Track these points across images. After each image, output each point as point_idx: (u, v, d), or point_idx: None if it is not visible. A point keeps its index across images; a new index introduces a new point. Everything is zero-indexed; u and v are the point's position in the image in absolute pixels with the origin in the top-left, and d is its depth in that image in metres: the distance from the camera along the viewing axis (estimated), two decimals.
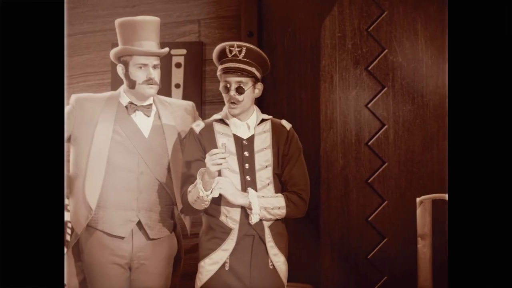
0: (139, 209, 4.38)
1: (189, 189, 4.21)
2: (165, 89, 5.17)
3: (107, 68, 5.58)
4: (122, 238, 4.37)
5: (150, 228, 4.39)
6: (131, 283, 4.40)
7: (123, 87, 4.48)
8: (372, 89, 5.43)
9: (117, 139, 4.39)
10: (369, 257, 5.40)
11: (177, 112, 4.54)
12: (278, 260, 4.28)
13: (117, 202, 4.37)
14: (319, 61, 5.47)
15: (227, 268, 4.24)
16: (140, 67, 4.38)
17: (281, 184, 4.33)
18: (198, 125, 4.35)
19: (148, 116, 4.46)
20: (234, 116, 4.30)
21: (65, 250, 4.37)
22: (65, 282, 4.24)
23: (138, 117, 4.45)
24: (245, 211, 4.22)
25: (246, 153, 4.29)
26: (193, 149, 4.27)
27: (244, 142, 4.31)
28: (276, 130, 4.36)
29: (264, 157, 4.29)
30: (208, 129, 4.33)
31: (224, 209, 4.25)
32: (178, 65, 5.53)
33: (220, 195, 4.19)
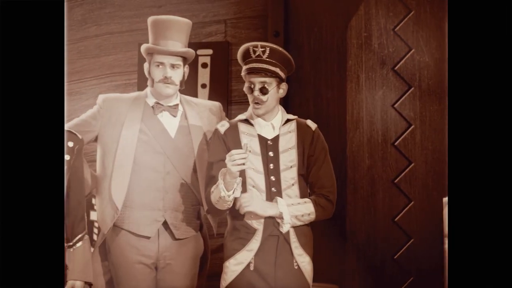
0: (165, 209, 4.39)
1: (212, 189, 4.22)
2: (191, 89, 5.18)
3: (134, 68, 5.61)
4: (148, 238, 4.38)
5: (176, 228, 4.40)
6: (157, 283, 4.41)
7: (149, 87, 4.50)
8: (399, 89, 5.40)
9: (143, 139, 4.41)
10: (395, 257, 5.38)
11: (203, 112, 4.55)
12: (303, 260, 4.27)
13: (143, 202, 4.38)
14: (345, 61, 5.45)
15: (251, 269, 4.24)
16: (158, 66, 4.40)
17: (307, 185, 4.33)
18: (223, 126, 4.36)
19: (175, 116, 4.48)
20: (258, 116, 4.30)
21: (92, 249, 4.39)
22: (91, 281, 4.27)
23: (165, 117, 4.47)
24: None
25: (270, 153, 4.29)
26: (218, 150, 4.28)
27: (268, 142, 4.31)
28: (301, 130, 4.35)
29: (289, 157, 4.29)
30: (233, 129, 4.34)
31: None
32: (204, 65, 5.53)
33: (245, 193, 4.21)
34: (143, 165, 4.39)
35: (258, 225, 4.24)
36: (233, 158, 4.06)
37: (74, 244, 4.19)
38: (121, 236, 4.39)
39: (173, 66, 4.39)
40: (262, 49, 4.25)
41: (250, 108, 4.32)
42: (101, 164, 4.46)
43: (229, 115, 5.16)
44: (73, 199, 4.21)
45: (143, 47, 4.45)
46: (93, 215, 5.03)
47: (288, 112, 4.44)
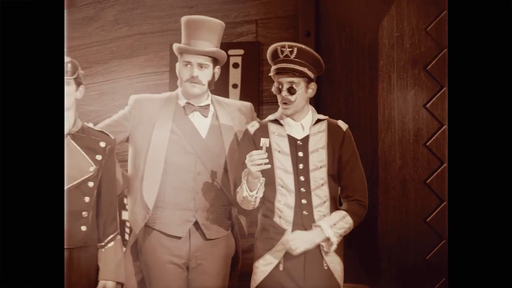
0: (196, 209, 4.40)
1: (238, 189, 4.24)
2: (222, 90, 5.19)
3: (165, 69, 5.62)
4: (180, 238, 4.39)
5: (207, 228, 4.41)
6: (189, 283, 4.42)
7: (180, 88, 4.51)
8: (431, 89, 5.36)
9: (174, 140, 4.42)
10: (427, 258, 5.35)
11: (234, 112, 4.55)
12: (333, 261, 4.27)
13: (174, 202, 4.40)
14: (377, 61, 5.43)
15: (281, 269, 4.24)
16: (186, 65, 4.41)
17: (339, 187, 4.32)
18: (253, 126, 4.36)
19: (206, 117, 4.48)
20: (287, 116, 4.30)
21: (123, 249, 4.41)
22: (123, 281, 4.28)
23: (196, 118, 4.47)
24: (299, 211, 4.23)
25: (300, 154, 4.28)
26: (247, 150, 4.28)
27: (298, 142, 4.30)
28: (332, 131, 4.34)
29: (318, 158, 4.28)
30: (263, 129, 4.34)
31: (278, 210, 4.26)
32: (235, 66, 5.54)
33: (269, 193, 4.23)
34: (174, 165, 4.40)
35: (287, 225, 4.24)
36: (253, 159, 4.07)
37: (106, 244, 4.22)
38: (153, 236, 4.41)
39: (200, 65, 4.40)
40: (290, 49, 4.25)
41: (280, 109, 4.32)
42: (132, 164, 4.48)
43: (260, 115, 5.16)
44: (105, 199, 4.23)
45: (174, 47, 4.46)
46: (125, 215, 5.05)
47: (319, 112, 4.43)
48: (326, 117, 4.40)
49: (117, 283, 4.23)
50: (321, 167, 4.28)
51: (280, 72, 4.25)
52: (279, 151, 4.29)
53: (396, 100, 5.41)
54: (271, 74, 4.29)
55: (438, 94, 5.35)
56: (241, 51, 5.54)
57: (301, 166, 4.27)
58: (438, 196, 5.34)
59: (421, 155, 5.38)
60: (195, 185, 4.40)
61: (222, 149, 4.45)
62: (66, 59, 4.15)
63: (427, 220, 5.36)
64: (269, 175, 4.27)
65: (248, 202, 4.20)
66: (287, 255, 4.23)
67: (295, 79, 4.23)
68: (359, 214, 4.28)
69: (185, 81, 4.41)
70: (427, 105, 5.37)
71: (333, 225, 4.21)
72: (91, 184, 4.16)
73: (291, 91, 4.24)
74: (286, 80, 4.24)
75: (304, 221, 4.25)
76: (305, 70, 4.24)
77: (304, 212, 4.26)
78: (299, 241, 4.18)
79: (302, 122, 4.33)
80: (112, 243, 4.23)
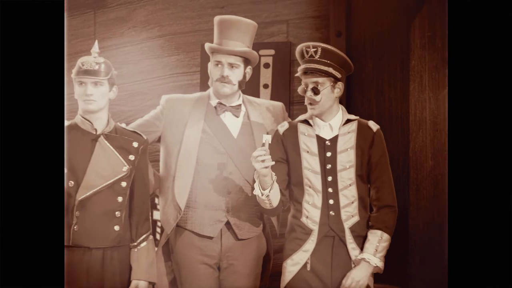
0: (227, 209, 4.40)
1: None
2: (253, 90, 5.19)
3: (196, 69, 5.63)
4: (211, 238, 4.39)
5: (239, 229, 4.41)
6: (220, 283, 4.42)
7: (211, 88, 4.51)
8: None
9: (206, 140, 4.43)
10: None
11: (266, 113, 4.55)
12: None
13: (206, 202, 4.40)
14: (408, 60, 5.41)
15: (308, 269, 4.24)
16: (217, 64, 4.42)
17: (369, 190, 4.32)
18: (283, 126, 4.38)
19: (237, 117, 4.48)
20: (315, 116, 4.29)
21: (155, 249, 4.42)
22: (155, 281, 4.29)
23: (227, 118, 4.48)
24: (325, 212, 4.23)
25: (328, 154, 4.27)
26: (275, 150, 4.29)
27: (326, 142, 4.29)
28: (362, 131, 4.33)
29: (347, 158, 4.27)
30: (292, 130, 4.35)
31: (305, 210, 4.26)
32: (266, 66, 5.53)
33: (297, 194, 4.23)
34: (205, 165, 4.41)
35: (314, 225, 4.24)
36: (254, 156, 4.09)
37: (139, 244, 4.23)
38: (184, 236, 4.42)
39: (231, 65, 4.40)
40: (314, 49, 4.24)
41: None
42: (164, 164, 4.49)
43: (291, 115, 5.15)
44: (138, 199, 4.25)
45: (206, 46, 4.47)
46: (156, 215, 5.06)
47: (350, 112, 4.42)
48: (357, 117, 4.39)
49: (149, 283, 4.25)
50: (349, 167, 4.27)
51: (305, 72, 4.25)
52: (308, 151, 4.29)
53: (427, 100, 5.39)
54: (297, 74, 4.29)
55: None
56: (272, 51, 5.53)
57: (329, 166, 4.26)
58: None
59: None
60: (226, 185, 4.41)
61: (253, 149, 4.42)
62: (100, 59, 4.17)
63: None
64: (297, 176, 4.27)
65: (263, 202, 4.20)
66: (314, 255, 4.23)
67: (319, 79, 4.23)
68: (392, 222, 4.30)
69: (215, 80, 4.42)
70: None
71: (376, 251, 4.22)
72: (124, 184, 4.18)
73: (315, 91, 4.23)
74: (310, 81, 4.24)
75: (330, 221, 4.25)
76: (330, 69, 4.23)
77: (331, 212, 4.26)
78: (355, 284, 4.19)
79: (330, 122, 4.32)
80: (144, 243, 4.24)
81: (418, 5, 5.40)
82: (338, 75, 4.25)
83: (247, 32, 4.44)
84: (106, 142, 4.18)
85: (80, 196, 4.10)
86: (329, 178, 4.26)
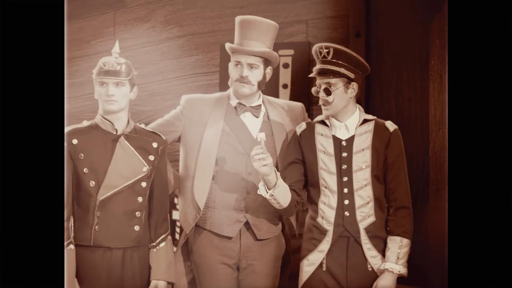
0: (247, 209, 4.41)
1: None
2: (272, 90, 5.19)
3: (216, 69, 5.64)
4: (230, 238, 4.40)
5: (258, 229, 4.42)
6: (239, 283, 4.43)
7: (231, 88, 4.52)
8: None
9: (226, 140, 4.43)
10: None
11: (286, 113, 4.55)
12: (378, 263, 4.25)
13: (225, 203, 4.41)
14: (428, 60, 5.39)
15: (324, 269, 4.24)
16: (236, 65, 4.43)
17: (385, 190, 4.30)
18: (300, 127, 4.38)
19: (257, 117, 4.49)
20: (331, 116, 4.29)
21: (174, 249, 4.43)
22: (174, 281, 4.31)
23: (247, 118, 4.48)
24: (340, 212, 4.23)
25: (344, 154, 4.27)
26: (291, 151, 4.31)
27: (342, 143, 4.29)
28: (378, 131, 4.31)
29: (362, 158, 4.26)
30: (309, 130, 4.35)
31: (321, 210, 4.26)
32: (285, 66, 5.53)
33: (314, 194, 4.23)
34: (225, 165, 4.41)
35: (329, 226, 4.24)
36: (251, 155, 4.10)
37: (158, 244, 4.24)
38: (203, 237, 4.42)
39: (251, 66, 4.40)
40: (326, 50, 4.24)
41: None
42: (183, 164, 4.50)
43: (310, 116, 5.15)
44: (157, 200, 4.26)
45: (227, 46, 4.48)
46: (175, 215, 5.07)
47: (369, 112, 4.41)
48: (374, 117, 4.37)
49: (168, 283, 4.26)
50: (365, 167, 4.26)
51: (318, 73, 4.25)
52: (324, 152, 4.28)
53: (447, 100, 5.36)
54: (311, 75, 4.29)
55: None
56: (291, 51, 5.53)
57: (344, 166, 4.26)
58: None
59: None
60: (246, 185, 4.41)
61: (273, 149, 4.44)
62: (121, 60, 4.19)
63: None
64: (314, 176, 4.27)
65: (271, 202, 4.21)
66: (329, 256, 4.23)
67: (331, 80, 4.22)
68: (410, 226, 4.28)
69: (235, 80, 4.43)
70: None
71: (397, 258, 4.21)
72: (144, 184, 4.19)
73: (327, 92, 4.23)
74: (323, 81, 4.24)
75: (345, 222, 4.24)
76: (342, 70, 4.22)
77: (345, 213, 4.25)
78: None
79: (346, 122, 4.31)
80: (163, 243, 4.25)
81: (437, 5, 5.38)
82: (351, 76, 4.24)
83: (268, 33, 4.45)
84: (126, 142, 4.19)
85: (101, 196, 4.11)
86: (345, 179, 4.26)
